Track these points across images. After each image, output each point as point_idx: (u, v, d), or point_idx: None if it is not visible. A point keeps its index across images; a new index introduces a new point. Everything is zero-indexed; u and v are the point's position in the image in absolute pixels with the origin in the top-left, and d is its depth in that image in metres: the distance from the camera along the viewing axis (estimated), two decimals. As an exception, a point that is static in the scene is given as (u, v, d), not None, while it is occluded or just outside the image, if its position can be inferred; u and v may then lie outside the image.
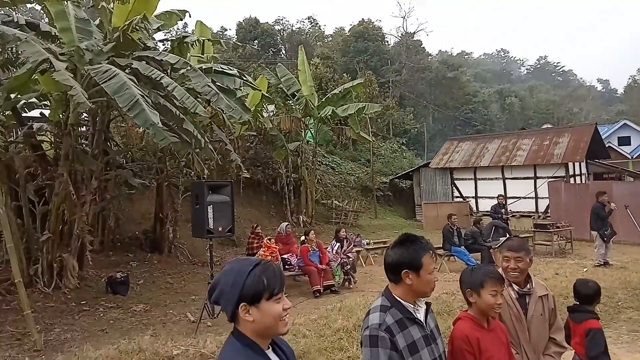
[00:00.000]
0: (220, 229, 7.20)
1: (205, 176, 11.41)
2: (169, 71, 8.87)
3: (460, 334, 2.38)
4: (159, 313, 7.86)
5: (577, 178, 19.98)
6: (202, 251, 11.56)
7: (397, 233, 17.26)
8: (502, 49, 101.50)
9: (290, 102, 18.12)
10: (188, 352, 5.54)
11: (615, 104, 70.44)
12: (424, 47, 48.75)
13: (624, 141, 33.52)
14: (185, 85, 8.85)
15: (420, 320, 2.07)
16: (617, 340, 6.02)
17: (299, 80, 17.74)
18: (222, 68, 9.85)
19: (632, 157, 30.84)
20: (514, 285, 2.89)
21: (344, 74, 30.01)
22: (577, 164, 19.88)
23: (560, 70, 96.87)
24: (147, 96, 7.32)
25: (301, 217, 17.17)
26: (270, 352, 1.68)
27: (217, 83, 9.21)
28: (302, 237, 10.08)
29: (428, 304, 2.19)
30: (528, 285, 2.90)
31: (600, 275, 9.47)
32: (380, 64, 41.05)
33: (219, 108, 9.95)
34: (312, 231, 10.07)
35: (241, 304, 1.60)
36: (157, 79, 7.92)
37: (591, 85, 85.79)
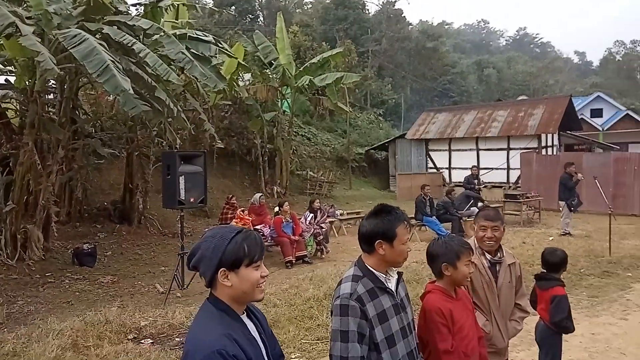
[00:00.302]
0: (192, 199, 7.15)
1: (177, 146, 11.22)
2: (141, 37, 8.59)
3: (433, 307, 2.38)
4: (127, 284, 7.81)
5: (549, 149, 20.35)
6: (173, 222, 11.48)
7: (370, 204, 17.39)
8: (482, 19, 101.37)
9: (267, 70, 17.78)
10: (156, 322, 5.54)
11: (590, 77, 71.35)
12: (404, 16, 48.15)
13: (596, 113, 34.13)
14: (158, 52, 8.61)
15: (391, 290, 2.10)
16: (577, 306, 6.26)
17: (276, 49, 17.38)
18: (197, 34, 9.59)
19: (603, 129, 31.54)
20: (486, 254, 2.95)
21: (323, 43, 29.52)
22: (549, 136, 20.21)
23: (539, 42, 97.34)
24: (118, 62, 7.09)
25: (275, 188, 17.14)
26: (244, 317, 1.73)
27: (191, 50, 8.98)
28: (276, 209, 10.07)
29: (400, 274, 2.21)
30: (499, 254, 2.98)
31: (565, 243, 9.76)
32: (360, 33, 40.48)
33: (193, 76, 9.73)
34: (287, 202, 10.06)
35: (221, 269, 1.64)
36: (129, 44, 7.64)
37: (568, 57, 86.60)
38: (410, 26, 51.87)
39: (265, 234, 9.73)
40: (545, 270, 3.78)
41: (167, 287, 7.02)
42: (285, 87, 17.81)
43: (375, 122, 30.22)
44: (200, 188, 7.31)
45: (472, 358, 2.36)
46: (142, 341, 5.05)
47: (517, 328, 3.08)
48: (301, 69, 17.79)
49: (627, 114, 32.81)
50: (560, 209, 11.47)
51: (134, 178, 11.34)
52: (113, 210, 11.42)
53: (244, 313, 1.73)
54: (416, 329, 2.30)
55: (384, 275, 2.11)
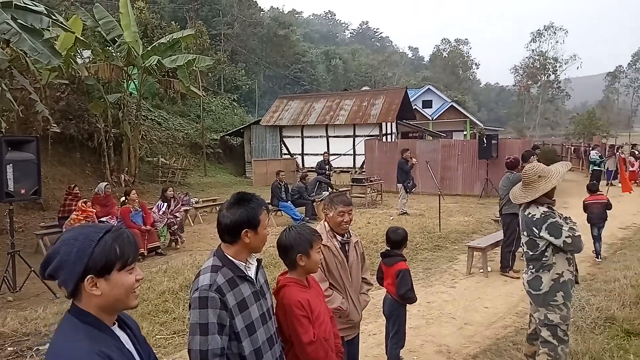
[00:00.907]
0: (22, 191, 6.47)
1: (2, 130, 9.81)
2: (-46, 3, 7.31)
3: (293, 301, 2.33)
4: (-58, 291, 6.70)
5: (389, 137, 22.28)
6: (1, 217, 10.06)
7: (227, 191, 17.31)
8: (329, 10, 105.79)
9: (110, 48, 16.31)
10: (-18, 332, 4.89)
11: (422, 71, 79.63)
12: (256, 1, 48.19)
13: (427, 104, 38.31)
14: (-23, 22, 7.44)
15: (251, 278, 2.09)
16: (415, 278, 6.93)
17: (120, 25, 16.00)
18: (25, 3, 8.44)
19: (432, 119, 35.56)
20: (337, 235, 3.13)
21: (172, 22, 28.07)
22: (389, 124, 22.11)
23: (379, 36, 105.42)
24: None
25: (122, 176, 15.98)
26: (116, 329, 1.53)
27: (18, 20, 7.93)
28: (123, 198, 9.45)
29: (259, 261, 2.23)
30: (346, 235, 3.19)
31: (403, 222, 10.87)
32: (211, 15, 39.45)
33: (20, 50, 8.59)
34: (133, 190, 9.50)
35: (88, 276, 1.42)
36: (-62, 11, 6.45)
37: (404, 52, 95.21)
38: (262, 12, 52.14)
39: (113, 226, 9.07)
40: (389, 248, 4.19)
41: (-5, 292, 6.20)
42: (132, 67, 16.57)
43: (229, 108, 29.86)
44: (33, 178, 6.63)
45: (329, 340, 2.46)
46: (-34, 355, 4.43)
47: (366, 300, 3.39)
48: (149, 48, 16.70)
49: (452, 105, 37.49)
50: (399, 190, 12.71)
51: (-56, 167, 9.61)
52: None
53: (115, 323, 1.53)
54: (276, 323, 2.29)
55: (244, 264, 2.11)
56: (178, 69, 16.58)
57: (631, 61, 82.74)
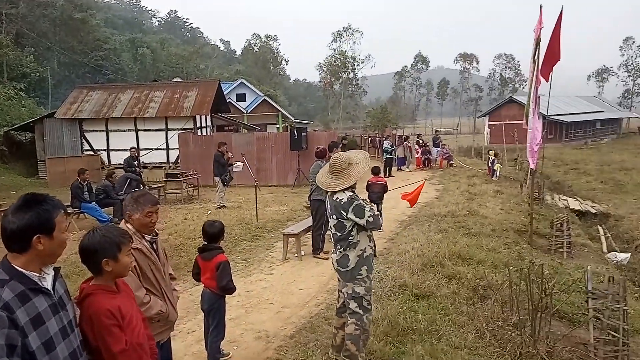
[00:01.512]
0: None
1: None
2: None
3: (101, 310, 2.15)
4: None
5: (204, 130, 21.90)
6: None
7: (15, 194, 14.94)
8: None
9: None
10: None
11: (234, 64, 80.00)
12: (43, -21, 42.33)
13: (241, 98, 38.75)
14: None
15: (47, 289, 1.88)
16: (234, 269, 7.04)
17: None
18: None
19: (247, 112, 36.10)
20: (145, 235, 2.95)
21: None
22: (203, 117, 21.71)
23: (189, 26, 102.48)
24: None
25: None
26: None
27: None
28: None
29: (57, 269, 2.00)
30: (152, 234, 3.04)
31: (221, 215, 10.88)
32: (-15, -10, 33.35)
33: None
34: None
35: None
36: None
37: (215, 44, 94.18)
38: (53, -9, 46.12)
39: None
40: (206, 242, 4.17)
41: None
42: None
43: (15, 98, 25.83)
44: None
45: (144, 345, 2.33)
46: None
47: (177, 296, 3.30)
48: None
49: (265, 99, 38.57)
50: (216, 184, 12.64)
51: None
52: None
53: None
54: (80, 335, 2.09)
55: (38, 274, 1.89)
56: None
57: (413, 62, 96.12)
